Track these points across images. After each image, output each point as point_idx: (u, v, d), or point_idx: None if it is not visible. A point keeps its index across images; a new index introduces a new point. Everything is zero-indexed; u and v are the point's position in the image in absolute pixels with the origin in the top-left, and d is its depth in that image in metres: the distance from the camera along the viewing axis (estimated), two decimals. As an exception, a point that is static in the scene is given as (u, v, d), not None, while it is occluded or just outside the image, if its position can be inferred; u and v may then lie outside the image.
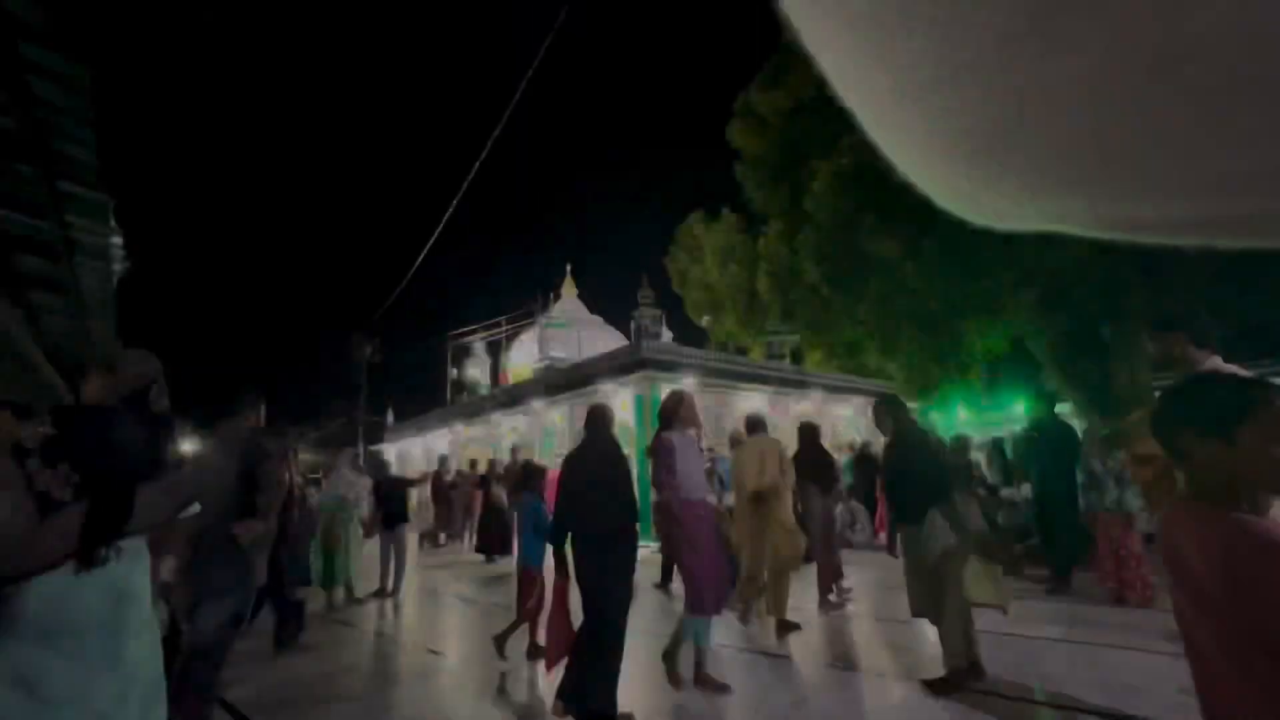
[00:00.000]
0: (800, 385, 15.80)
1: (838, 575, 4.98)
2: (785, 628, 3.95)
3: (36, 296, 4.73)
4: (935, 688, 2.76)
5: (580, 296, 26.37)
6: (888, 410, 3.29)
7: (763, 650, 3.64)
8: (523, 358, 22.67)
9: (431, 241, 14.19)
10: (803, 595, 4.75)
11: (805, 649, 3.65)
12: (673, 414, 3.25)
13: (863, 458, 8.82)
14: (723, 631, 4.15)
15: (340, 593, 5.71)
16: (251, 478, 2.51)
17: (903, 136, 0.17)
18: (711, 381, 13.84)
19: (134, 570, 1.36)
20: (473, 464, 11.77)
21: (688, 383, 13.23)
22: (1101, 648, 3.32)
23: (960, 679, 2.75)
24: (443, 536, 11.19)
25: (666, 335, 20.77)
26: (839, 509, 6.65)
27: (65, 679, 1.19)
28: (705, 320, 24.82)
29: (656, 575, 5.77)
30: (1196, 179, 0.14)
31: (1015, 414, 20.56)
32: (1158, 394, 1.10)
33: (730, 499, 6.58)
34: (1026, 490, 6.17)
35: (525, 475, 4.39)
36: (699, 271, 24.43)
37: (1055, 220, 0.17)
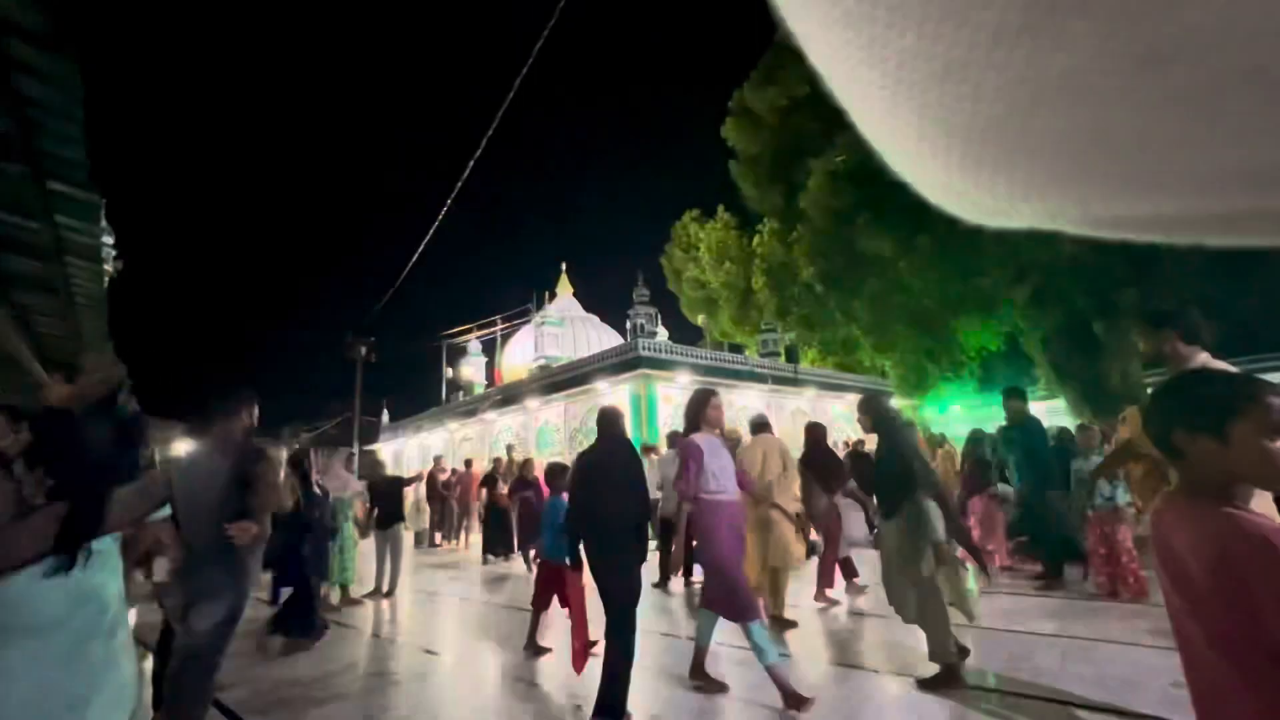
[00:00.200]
0: (795, 383, 15.82)
1: (850, 573, 5.03)
2: (782, 625, 3.97)
3: (26, 298, 4.69)
4: (929, 685, 2.78)
5: (576, 295, 26.36)
6: (865, 409, 3.34)
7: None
8: (518, 357, 22.65)
9: (426, 240, 14.14)
10: (800, 593, 4.77)
11: (802, 647, 3.66)
12: (699, 414, 3.14)
13: (857, 455, 8.87)
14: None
15: (335, 593, 5.70)
16: (245, 479, 2.50)
17: (895, 134, 0.17)
18: (707, 380, 13.84)
19: (102, 573, 1.36)
20: (468, 463, 11.74)
21: (683, 381, 13.24)
22: (1095, 642, 3.35)
23: (954, 675, 2.77)
24: (438, 536, 11.16)
25: (662, 333, 20.77)
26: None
27: (25, 679, 1.19)
28: (700, 318, 24.85)
29: (654, 575, 5.78)
30: (1189, 177, 0.13)
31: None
32: (1149, 390, 1.10)
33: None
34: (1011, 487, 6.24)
35: (550, 474, 4.66)
36: (694, 270, 24.46)
37: (1047, 219, 0.18)
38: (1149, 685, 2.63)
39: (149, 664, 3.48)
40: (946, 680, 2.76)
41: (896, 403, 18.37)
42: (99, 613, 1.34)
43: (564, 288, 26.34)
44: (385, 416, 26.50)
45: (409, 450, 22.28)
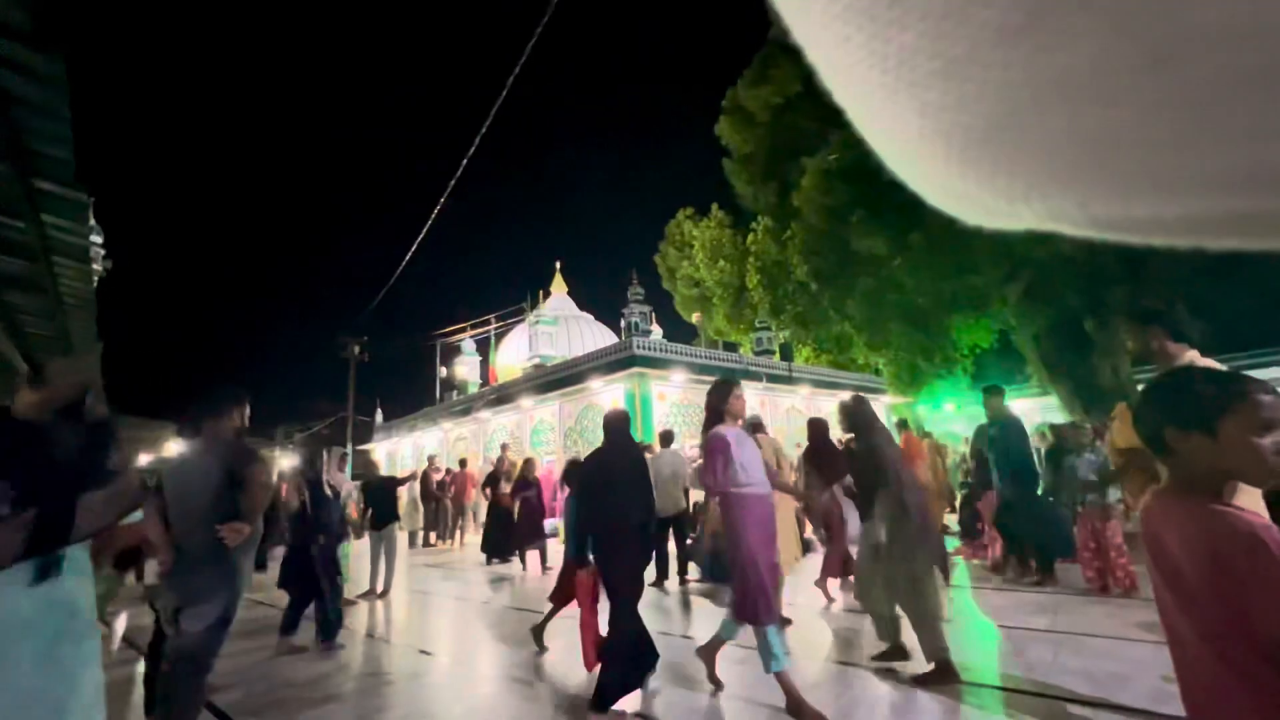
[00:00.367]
0: (789, 381, 15.86)
1: (849, 571, 5.06)
2: (780, 623, 3.98)
3: (13, 298, 4.63)
4: (925, 681, 2.79)
5: (570, 293, 26.31)
6: (842, 412, 3.48)
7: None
8: (512, 355, 22.59)
9: (419, 239, 14.07)
10: (797, 590, 4.79)
11: (798, 644, 3.67)
12: (722, 405, 3.01)
13: (849, 452, 8.89)
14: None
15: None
16: (237, 479, 2.48)
17: (894, 133, 0.17)
18: (701, 378, 13.85)
19: (70, 579, 1.36)
20: (463, 463, 11.71)
21: (677, 379, 13.25)
22: (1086, 637, 3.37)
23: (949, 670, 2.78)
24: (433, 536, 11.14)
25: (656, 332, 20.76)
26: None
27: (4, 687, 1.18)
28: (695, 317, 24.86)
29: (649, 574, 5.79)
30: (1193, 178, 0.13)
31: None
32: (1139, 387, 1.11)
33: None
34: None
35: (567, 474, 4.78)
36: (689, 268, 24.47)
37: (1048, 219, 0.17)
38: (1139, 679, 2.65)
39: (140, 667, 3.46)
40: (942, 676, 2.78)
41: (892, 400, 18.46)
42: (69, 617, 1.34)
43: (558, 286, 26.28)
44: (379, 416, 26.39)
45: (403, 450, 22.19)
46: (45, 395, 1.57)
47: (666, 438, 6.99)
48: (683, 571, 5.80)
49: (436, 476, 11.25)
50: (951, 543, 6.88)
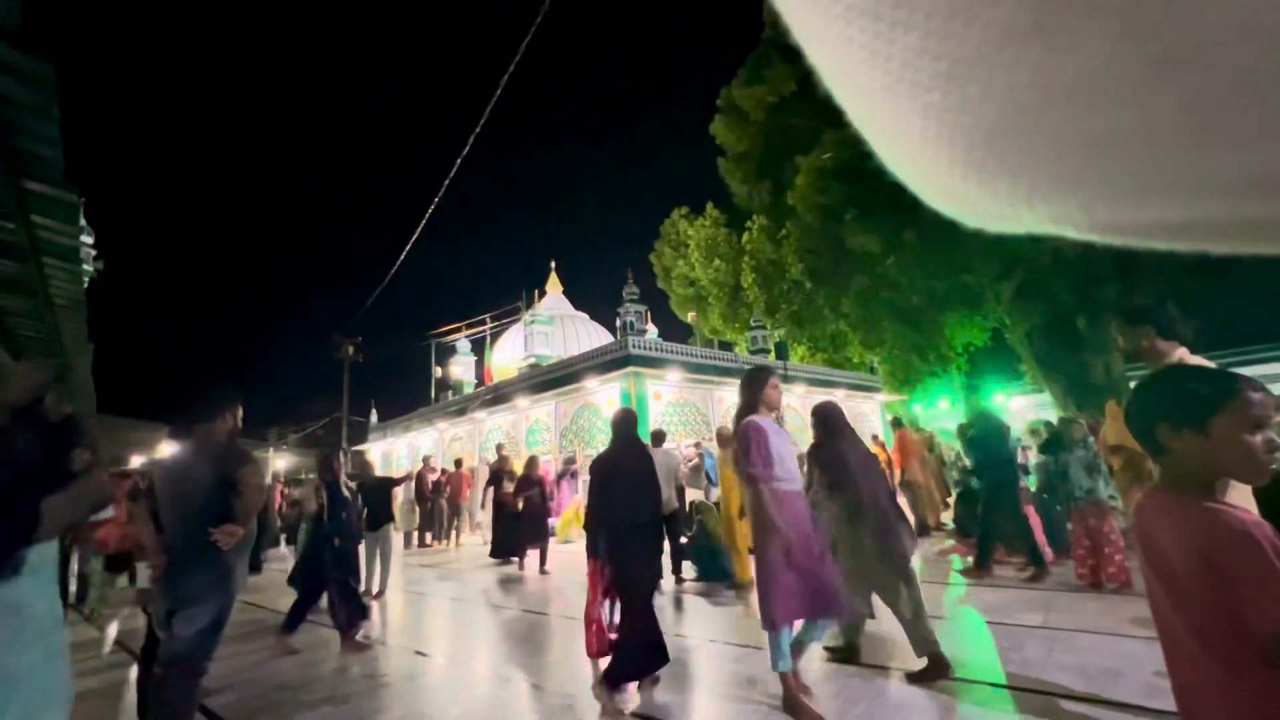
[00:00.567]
0: (785, 379, 15.86)
1: None
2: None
3: (3, 299, 4.59)
4: (919, 678, 2.81)
5: (565, 293, 26.27)
6: (814, 415, 3.51)
7: (754, 644, 3.67)
8: (508, 355, 22.55)
9: (414, 239, 14.02)
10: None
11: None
12: (757, 394, 2.86)
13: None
14: (718, 625, 4.18)
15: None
16: (230, 482, 2.47)
17: (896, 135, 0.17)
18: (697, 377, 13.87)
19: (25, 586, 1.35)
20: (458, 463, 11.68)
21: (673, 379, 13.26)
22: (1079, 633, 3.39)
23: (942, 665, 2.80)
24: (428, 536, 11.11)
25: (652, 331, 20.75)
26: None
27: None
28: (690, 316, 24.88)
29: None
30: (1200, 182, 0.13)
31: (994, 405, 20.95)
32: (1132, 384, 1.12)
33: (716, 494, 6.64)
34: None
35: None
36: (684, 267, 24.49)
37: (1050, 223, 0.17)
38: (1132, 674, 2.67)
39: (133, 671, 3.43)
40: (935, 671, 2.79)
41: (887, 398, 18.51)
42: (18, 626, 1.33)
43: (553, 286, 26.23)
44: (374, 417, 26.30)
45: (398, 450, 22.13)
46: (1, 397, 1.54)
47: (658, 437, 6.99)
48: (676, 570, 5.80)
49: (432, 477, 11.21)
50: (945, 542, 6.92)
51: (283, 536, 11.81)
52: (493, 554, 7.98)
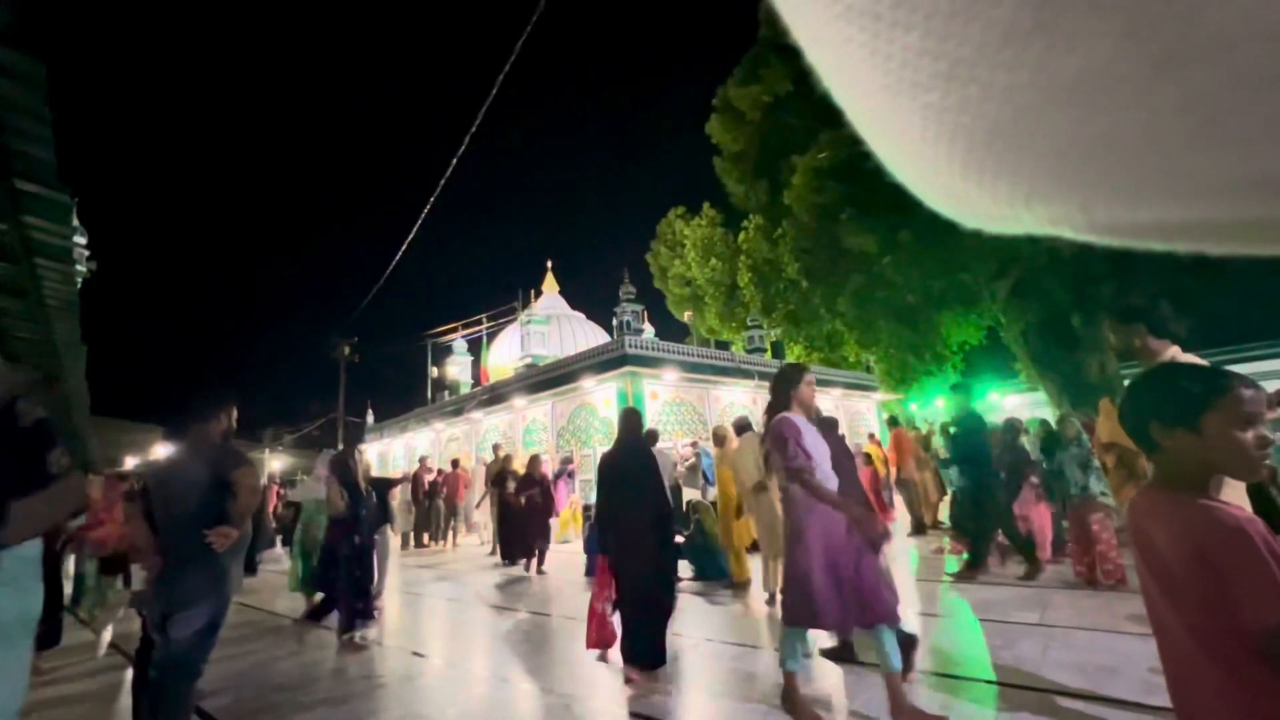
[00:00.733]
0: (781, 379, 15.89)
1: None
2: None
3: (-6, 300, 4.56)
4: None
5: (561, 293, 26.25)
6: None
7: (751, 644, 3.68)
8: (504, 355, 22.51)
9: (410, 239, 13.99)
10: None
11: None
12: (790, 392, 2.73)
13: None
14: (715, 624, 4.18)
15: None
16: (225, 483, 2.45)
17: (895, 135, 0.17)
18: (693, 376, 13.88)
19: None
20: (454, 463, 11.66)
21: (670, 378, 13.26)
22: (1075, 630, 3.41)
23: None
24: (425, 537, 11.08)
25: (648, 330, 20.76)
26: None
27: None
28: (687, 315, 24.89)
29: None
30: (1200, 183, 0.13)
31: (990, 403, 21.04)
32: (1126, 382, 1.12)
33: (713, 493, 6.65)
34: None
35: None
36: (680, 267, 24.49)
37: (1049, 224, 0.17)
38: (1127, 671, 2.68)
39: (128, 674, 3.42)
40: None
41: (883, 397, 18.56)
42: None
43: (549, 285, 26.20)
44: (370, 417, 26.24)
45: (394, 451, 22.07)
46: None
47: (652, 437, 7.00)
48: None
49: (428, 477, 11.19)
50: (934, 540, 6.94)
51: (278, 538, 11.77)
52: (504, 556, 7.81)
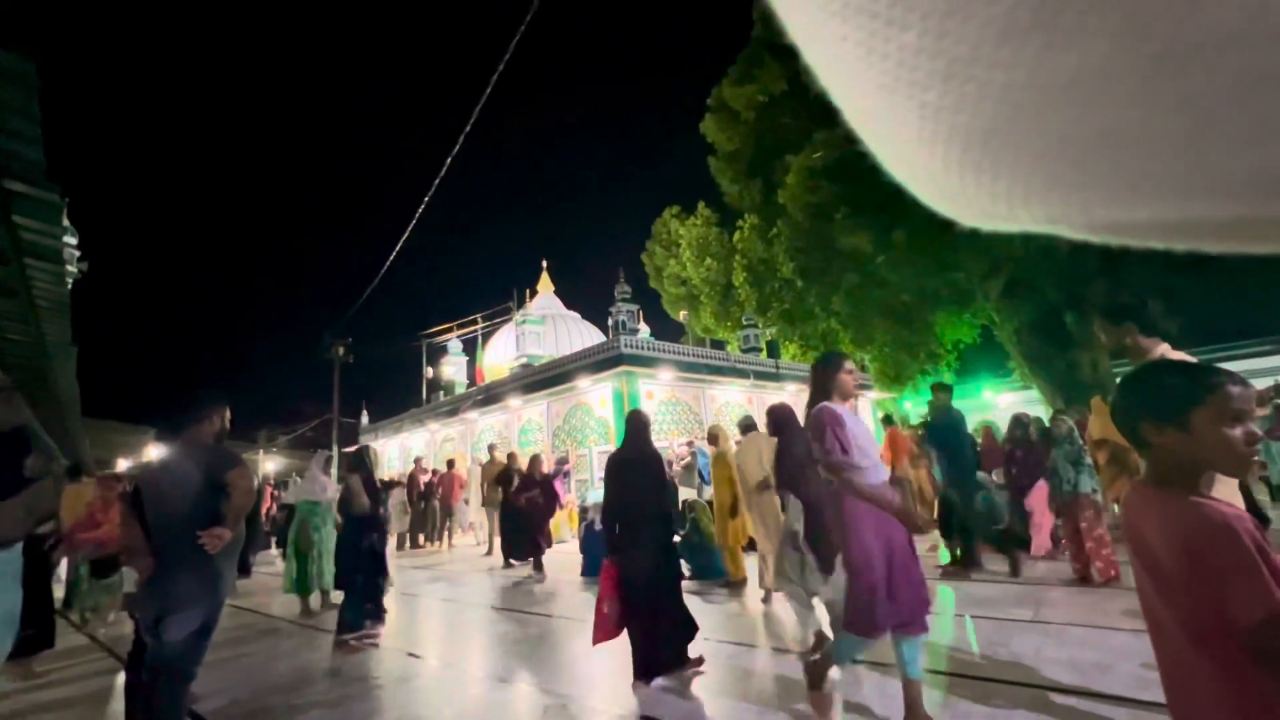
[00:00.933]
0: (777, 378, 15.95)
1: None
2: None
3: (-17, 301, 4.52)
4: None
5: (557, 292, 26.21)
6: (769, 416, 3.91)
7: (748, 643, 3.68)
8: (499, 355, 22.46)
9: (404, 239, 13.94)
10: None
11: (790, 634, 3.70)
12: (830, 380, 2.59)
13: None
14: (712, 624, 4.19)
15: (316, 598, 5.61)
16: (218, 484, 2.44)
17: (892, 134, 0.17)
18: (689, 376, 13.89)
19: None
20: (450, 464, 11.63)
21: (665, 378, 13.26)
22: (1069, 626, 3.43)
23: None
24: (420, 537, 11.06)
25: (644, 330, 20.75)
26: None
27: None
28: (682, 315, 24.90)
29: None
30: (1198, 181, 0.13)
31: (985, 401, 21.14)
32: (1118, 380, 1.13)
33: (709, 493, 6.65)
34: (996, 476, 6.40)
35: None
36: (675, 266, 24.49)
37: (1047, 223, 0.17)
38: (1120, 667, 2.70)
39: (121, 677, 3.39)
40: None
41: (878, 396, 18.61)
42: None
43: (545, 285, 26.15)
44: (364, 418, 26.12)
45: (389, 451, 22.00)
46: None
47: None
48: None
49: (424, 478, 11.16)
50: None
51: (272, 539, 11.72)
52: (511, 557, 7.63)
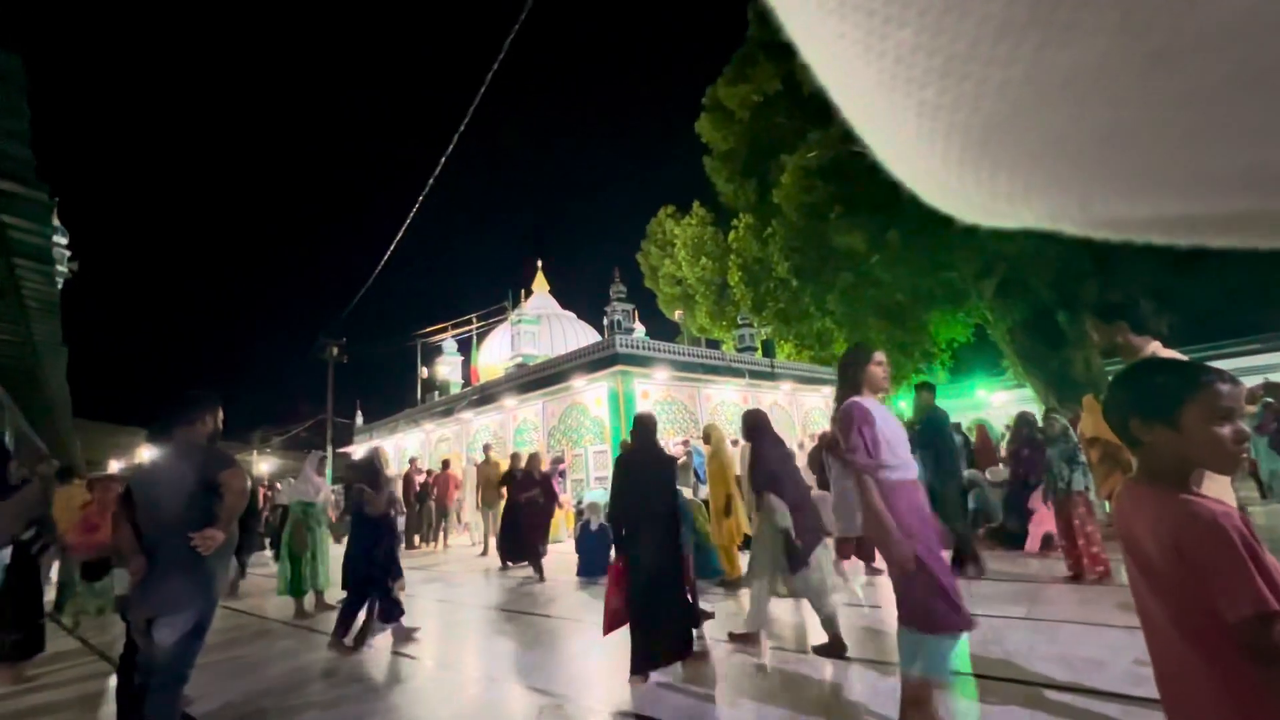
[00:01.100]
0: (772, 377, 15.98)
1: (868, 556, 5.34)
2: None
3: (-28, 301, 4.48)
4: (821, 652, 3.18)
5: (552, 292, 26.17)
6: (743, 421, 3.95)
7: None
8: (494, 355, 22.41)
9: (399, 239, 13.89)
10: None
11: (790, 634, 3.71)
12: (859, 373, 2.49)
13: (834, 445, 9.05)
14: (709, 623, 4.19)
15: (310, 599, 5.59)
16: (211, 485, 2.42)
17: (890, 131, 0.17)
18: (684, 375, 13.89)
19: None
20: (445, 464, 11.61)
21: (661, 377, 13.26)
22: (1061, 624, 3.45)
23: (838, 642, 3.17)
24: (416, 537, 11.02)
25: (639, 329, 20.74)
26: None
27: None
28: (677, 314, 24.89)
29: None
30: (1197, 177, 0.13)
31: (979, 400, 21.24)
32: (1111, 378, 1.13)
33: (704, 492, 6.66)
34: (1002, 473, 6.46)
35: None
36: (670, 266, 24.49)
37: (1046, 219, 0.17)
38: (1113, 664, 2.72)
39: (112, 680, 3.37)
40: (833, 648, 3.17)
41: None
42: None
43: (540, 285, 26.10)
44: (359, 418, 26.01)
45: (384, 451, 21.91)
46: None
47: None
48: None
49: (419, 478, 11.12)
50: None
51: (266, 541, 11.66)
52: (510, 558, 7.49)
